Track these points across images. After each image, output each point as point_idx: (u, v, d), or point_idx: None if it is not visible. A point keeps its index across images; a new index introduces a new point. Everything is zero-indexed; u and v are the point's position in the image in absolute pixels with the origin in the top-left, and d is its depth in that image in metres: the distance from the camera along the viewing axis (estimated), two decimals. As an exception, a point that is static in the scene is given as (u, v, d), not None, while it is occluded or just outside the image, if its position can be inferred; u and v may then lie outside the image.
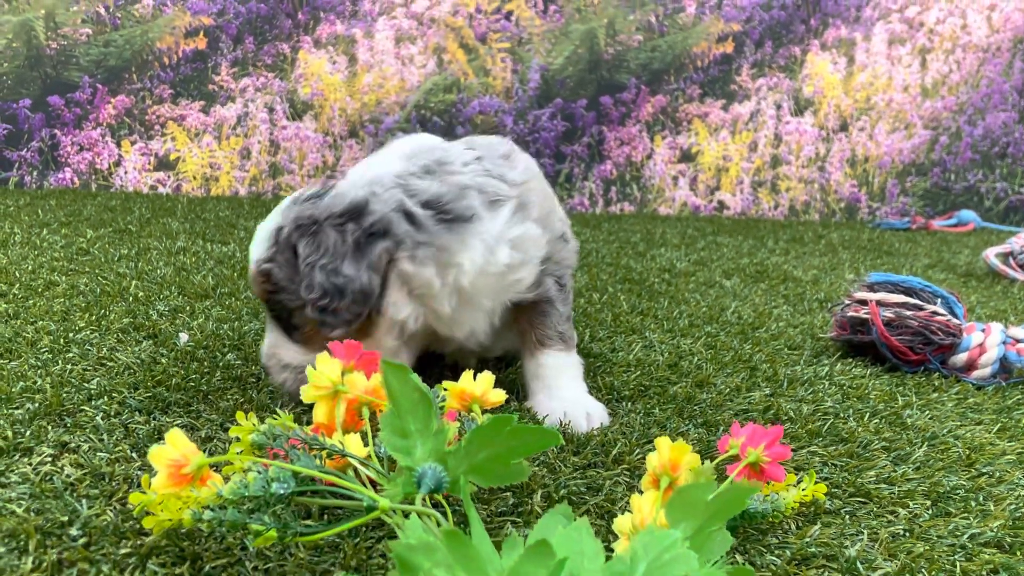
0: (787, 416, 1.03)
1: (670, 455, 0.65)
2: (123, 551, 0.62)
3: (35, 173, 3.01)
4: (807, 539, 0.72)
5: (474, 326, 0.99)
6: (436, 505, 0.66)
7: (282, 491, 0.59)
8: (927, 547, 0.72)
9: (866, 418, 1.04)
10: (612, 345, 1.30)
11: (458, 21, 3.26)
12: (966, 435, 1.00)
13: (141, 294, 1.42)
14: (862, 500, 0.82)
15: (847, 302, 1.36)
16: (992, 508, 0.80)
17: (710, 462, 0.69)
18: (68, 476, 0.74)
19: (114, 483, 0.73)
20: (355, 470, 0.67)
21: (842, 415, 1.05)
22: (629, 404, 1.04)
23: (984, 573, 0.69)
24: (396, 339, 0.95)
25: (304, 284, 0.88)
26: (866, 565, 0.68)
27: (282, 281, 0.91)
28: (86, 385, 0.97)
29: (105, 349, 1.11)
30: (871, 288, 1.34)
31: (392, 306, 0.92)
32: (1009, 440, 1.00)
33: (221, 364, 1.08)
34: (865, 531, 0.74)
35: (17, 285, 1.42)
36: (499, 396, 0.76)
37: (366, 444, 0.69)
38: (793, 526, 0.75)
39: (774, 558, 0.68)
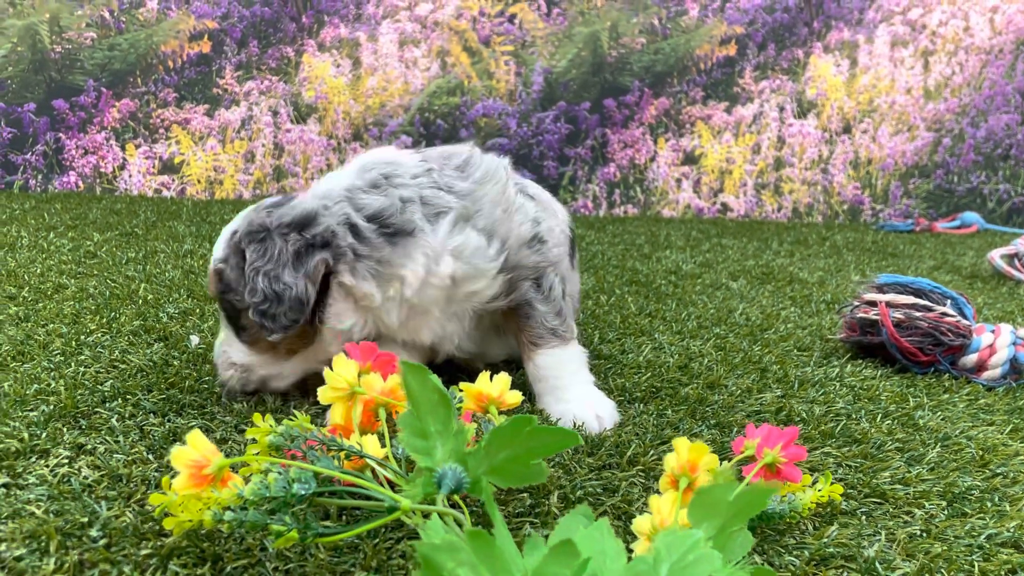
0: (799, 417, 1.03)
1: (689, 456, 0.65)
2: (144, 552, 0.62)
3: (40, 177, 3.01)
4: (825, 540, 0.72)
5: (440, 332, 0.99)
6: (454, 506, 0.66)
7: (303, 492, 0.59)
8: (945, 547, 0.72)
9: (878, 419, 1.04)
10: (622, 347, 1.30)
11: (462, 24, 3.26)
12: (979, 436, 1.00)
13: (151, 297, 1.42)
14: (878, 501, 0.82)
15: (856, 303, 1.36)
16: (1008, 509, 0.80)
17: (727, 463, 0.69)
18: (86, 478, 0.74)
19: (132, 484, 0.73)
20: (372, 471, 0.67)
21: (854, 416, 1.05)
22: (641, 406, 1.04)
23: (1003, 573, 0.69)
24: (340, 348, 0.96)
25: (248, 288, 0.91)
26: (885, 566, 0.68)
27: (232, 283, 0.94)
28: (100, 387, 0.97)
29: (117, 352, 1.11)
30: (880, 289, 1.34)
31: (335, 316, 0.94)
32: (1021, 441, 1.00)
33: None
34: (882, 532, 0.74)
35: (27, 288, 1.42)
36: (516, 397, 0.76)
37: (383, 445, 0.69)
38: (810, 527, 0.75)
39: (793, 558, 0.68)
